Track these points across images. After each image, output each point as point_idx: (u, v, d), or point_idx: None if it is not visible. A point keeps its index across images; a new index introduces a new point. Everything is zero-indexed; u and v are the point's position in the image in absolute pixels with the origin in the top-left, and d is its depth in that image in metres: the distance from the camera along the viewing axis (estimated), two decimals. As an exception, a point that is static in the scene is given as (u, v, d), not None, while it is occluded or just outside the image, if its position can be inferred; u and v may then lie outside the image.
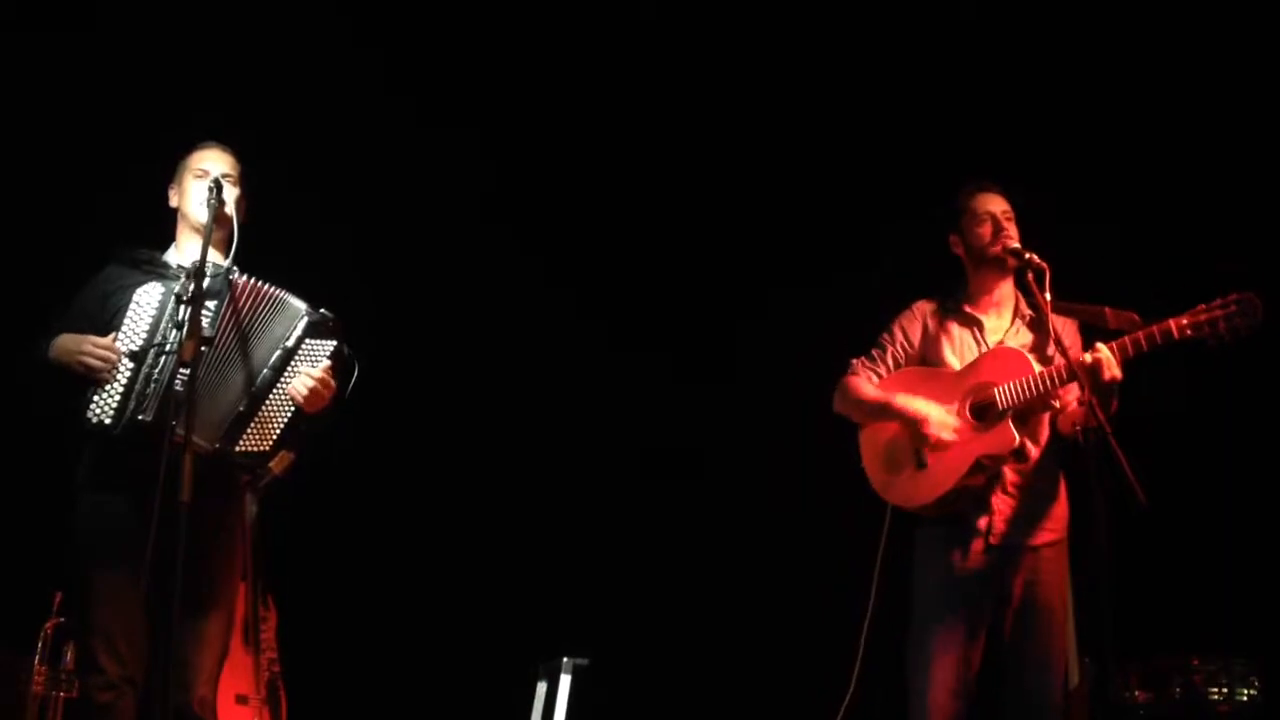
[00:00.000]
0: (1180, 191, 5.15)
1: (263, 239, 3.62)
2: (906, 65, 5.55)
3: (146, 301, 3.46)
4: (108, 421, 3.36)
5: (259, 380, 3.49)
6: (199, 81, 5.13)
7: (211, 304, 3.40)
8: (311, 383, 3.52)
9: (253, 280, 3.52)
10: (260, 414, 3.50)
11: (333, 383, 3.58)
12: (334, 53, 5.45)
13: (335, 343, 3.59)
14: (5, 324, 4.16)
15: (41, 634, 4.24)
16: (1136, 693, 4.31)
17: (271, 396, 3.51)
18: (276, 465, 3.55)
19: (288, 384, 3.52)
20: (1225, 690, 4.24)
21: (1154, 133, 5.22)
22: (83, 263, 3.69)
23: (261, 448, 3.53)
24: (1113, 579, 3.29)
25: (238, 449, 3.48)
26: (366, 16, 5.52)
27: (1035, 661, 3.68)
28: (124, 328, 3.44)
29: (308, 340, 3.55)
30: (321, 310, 3.58)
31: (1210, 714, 4.23)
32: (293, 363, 3.53)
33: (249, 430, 3.49)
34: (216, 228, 3.51)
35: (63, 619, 4.23)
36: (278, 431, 3.53)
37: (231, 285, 3.48)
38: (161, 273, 3.56)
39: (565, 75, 5.74)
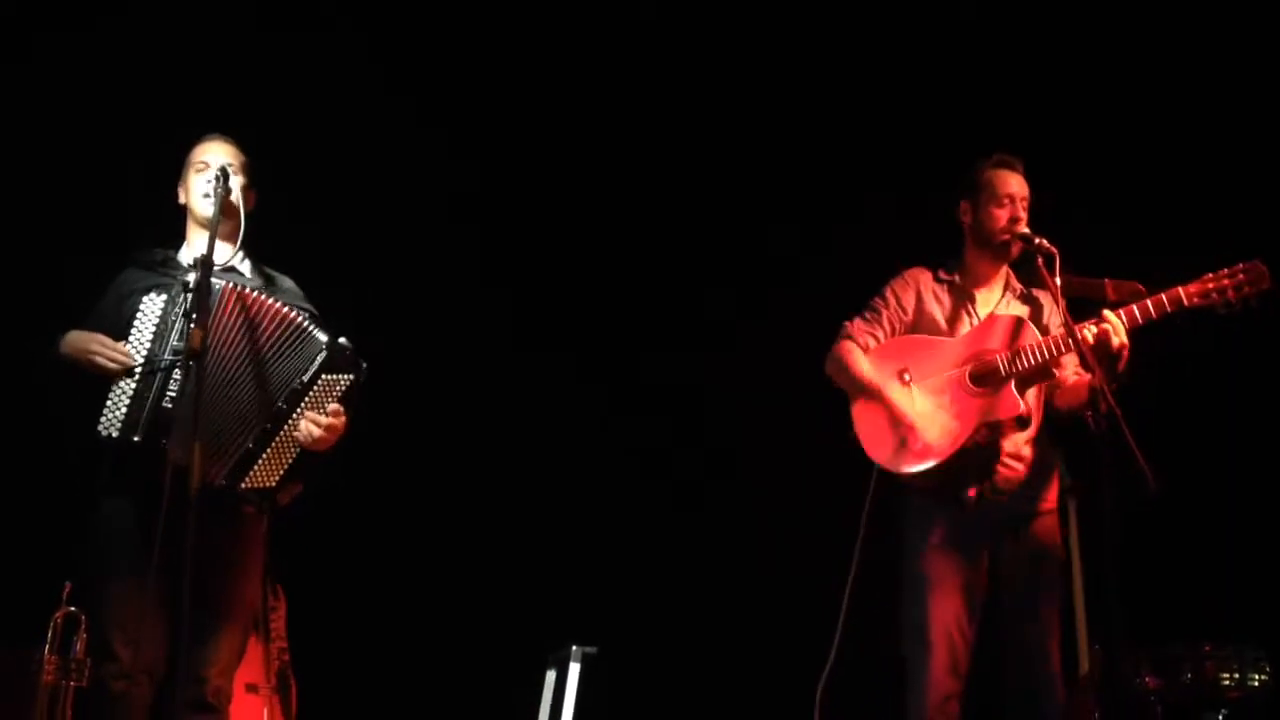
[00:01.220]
0: (1181, 177, 5.14)
1: (261, 239, 3.62)
2: (903, 65, 5.54)
3: (151, 310, 3.43)
4: (115, 435, 3.34)
5: (269, 414, 3.42)
6: (199, 81, 5.12)
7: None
8: (322, 427, 3.45)
9: (268, 299, 3.47)
10: (268, 452, 3.44)
11: (343, 422, 3.51)
12: (331, 53, 5.44)
13: (351, 376, 3.50)
14: (20, 324, 4.17)
15: (51, 623, 4.24)
16: (1147, 678, 4.31)
17: (281, 434, 3.44)
18: (284, 496, 3.53)
19: (299, 422, 3.45)
20: (1236, 675, 4.24)
21: (1150, 127, 5.21)
22: (102, 264, 3.68)
23: (268, 483, 3.47)
24: (1122, 565, 3.29)
25: (244, 485, 3.44)
26: (363, 17, 5.51)
27: (1032, 637, 3.66)
28: (131, 337, 3.41)
29: (324, 375, 3.47)
30: (340, 339, 3.50)
31: (1221, 699, 4.23)
32: (306, 400, 3.46)
33: (256, 469, 3.44)
34: (224, 219, 3.45)
35: (72, 608, 4.23)
36: (285, 468, 3.47)
37: (240, 295, 3.43)
38: (174, 273, 3.53)
39: (560, 75, 5.72)
